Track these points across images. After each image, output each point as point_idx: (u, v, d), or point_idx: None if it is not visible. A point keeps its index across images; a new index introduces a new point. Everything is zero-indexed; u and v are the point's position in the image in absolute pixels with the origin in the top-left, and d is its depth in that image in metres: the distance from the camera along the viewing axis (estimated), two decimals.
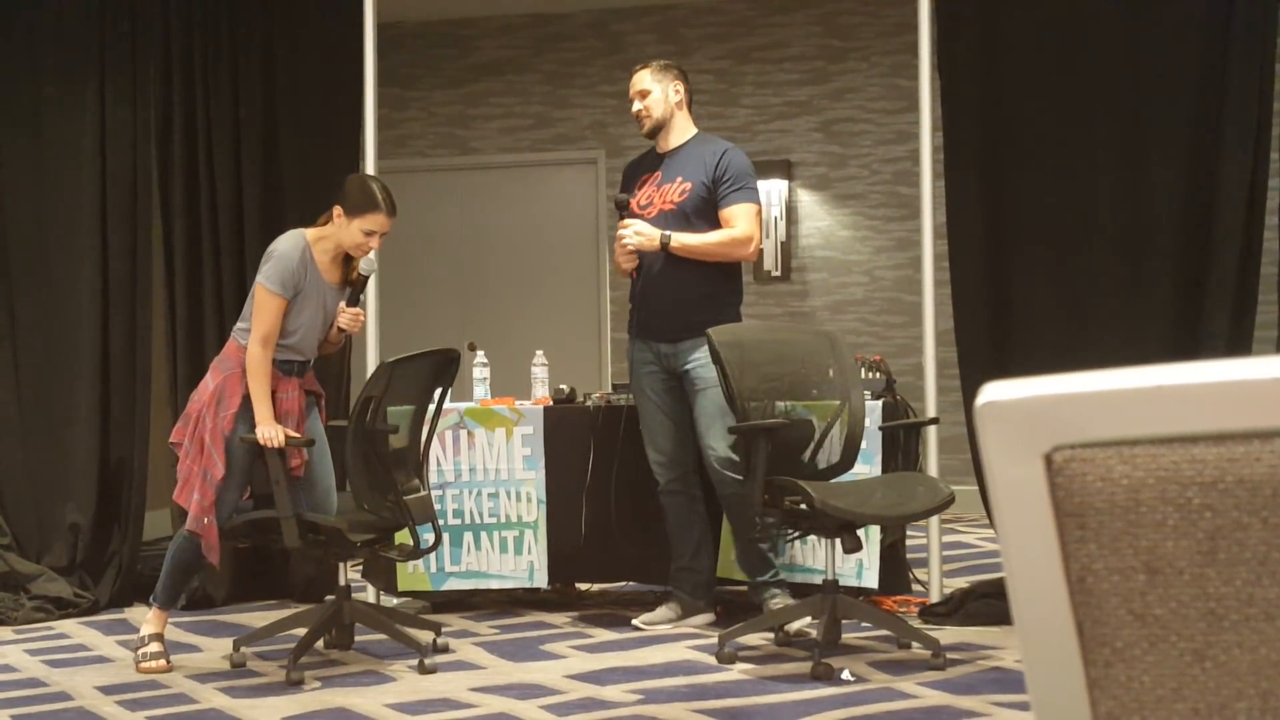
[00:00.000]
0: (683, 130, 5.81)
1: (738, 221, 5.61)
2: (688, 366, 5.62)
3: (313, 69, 6.71)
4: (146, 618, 5.35)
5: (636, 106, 5.80)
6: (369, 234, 5.18)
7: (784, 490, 5.00)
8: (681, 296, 5.65)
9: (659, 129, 5.78)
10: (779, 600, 5.59)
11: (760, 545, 5.69)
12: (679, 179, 5.70)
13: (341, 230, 5.18)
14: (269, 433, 5.01)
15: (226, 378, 5.13)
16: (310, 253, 5.20)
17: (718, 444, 5.53)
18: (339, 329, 5.35)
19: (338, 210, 5.19)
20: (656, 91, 5.75)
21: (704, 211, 5.65)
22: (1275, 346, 5.69)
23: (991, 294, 5.95)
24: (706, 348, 5.35)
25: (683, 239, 5.59)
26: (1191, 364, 0.98)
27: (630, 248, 5.62)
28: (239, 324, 5.27)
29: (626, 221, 5.65)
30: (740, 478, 5.38)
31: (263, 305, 5.13)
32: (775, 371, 5.33)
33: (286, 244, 5.20)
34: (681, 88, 5.80)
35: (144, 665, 5.20)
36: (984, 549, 7.53)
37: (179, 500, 5.19)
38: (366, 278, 5.35)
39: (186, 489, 5.11)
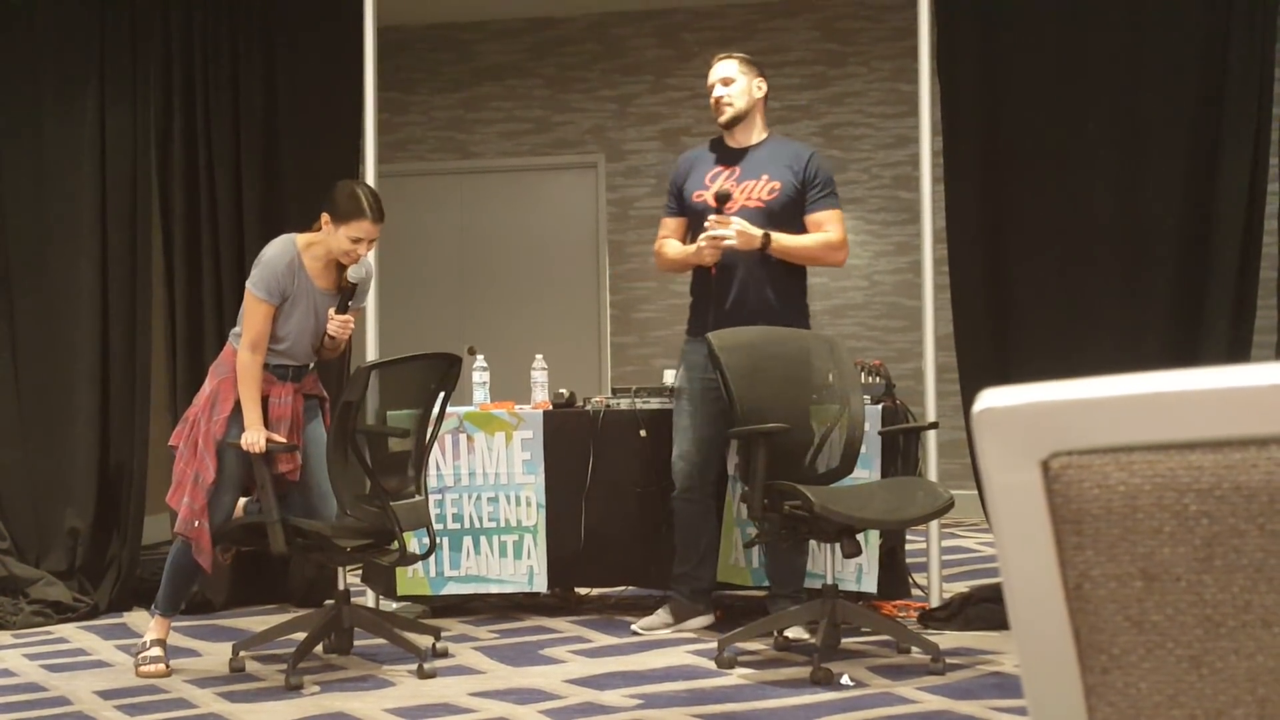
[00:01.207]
0: (760, 128, 5.75)
1: (830, 227, 5.60)
2: None
3: (313, 72, 6.72)
4: (150, 625, 5.36)
5: (719, 93, 5.69)
6: (356, 241, 5.14)
7: (784, 495, 5.00)
8: (766, 297, 5.59)
9: (738, 120, 5.69)
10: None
11: (796, 558, 5.67)
12: (765, 177, 5.63)
13: (330, 237, 5.17)
14: (251, 438, 5.03)
15: (221, 382, 5.17)
16: (300, 258, 5.19)
17: None
18: (329, 336, 5.31)
19: (325, 217, 5.17)
20: (742, 83, 5.68)
21: (790, 213, 5.60)
22: (1275, 351, 5.69)
23: (991, 298, 5.96)
24: None
25: (783, 240, 5.52)
26: (1189, 371, 0.98)
27: (729, 246, 5.48)
28: (234, 329, 5.28)
29: (729, 219, 5.49)
30: None
31: (250, 311, 5.15)
32: (775, 376, 5.33)
33: (275, 250, 5.20)
34: (764, 86, 5.75)
35: (142, 669, 5.21)
36: (984, 554, 7.53)
37: (171, 503, 5.23)
38: (355, 285, 5.27)
39: (179, 492, 5.15)
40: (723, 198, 5.53)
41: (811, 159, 5.66)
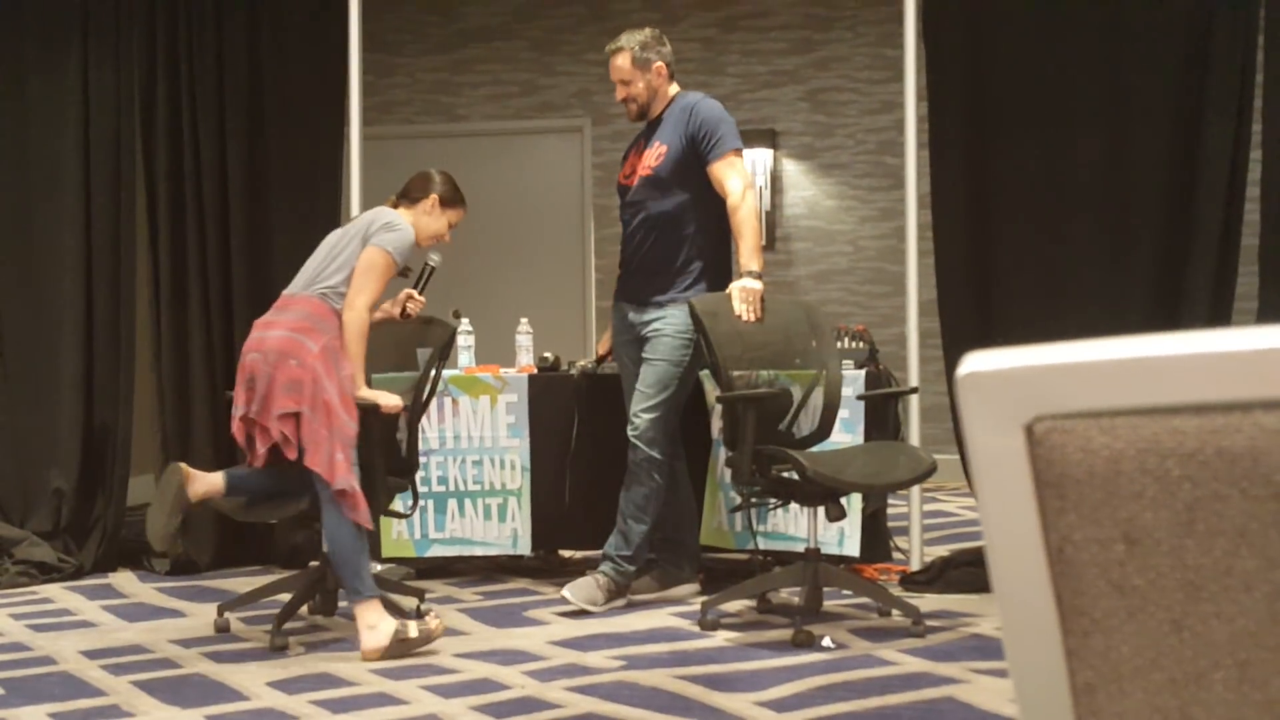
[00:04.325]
0: (666, 97, 5.70)
1: (726, 180, 5.46)
2: (645, 333, 5.62)
3: (298, 34, 6.68)
4: (367, 621, 4.87)
5: (621, 95, 5.71)
6: (451, 226, 5.39)
7: (771, 459, 5.01)
8: (651, 262, 5.62)
9: (646, 113, 5.71)
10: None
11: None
12: (657, 143, 5.62)
13: (430, 218, 5.29)
14: (390, 400, 5.04)
15: (331, 339, 4.94)
16: None
17: (638, 416, 5.52)
18: (405, 312, 5.44)
19: (434, 199, 5.31)
20: (638, 78, 5.65)
21: (678, 173, 5.54)
22: (1256, 318, 5.70)
23: (975, 264, 5.96)
24: (663, 314, 5.46)
25: (749, 254, 5.38)
26: (1173, 335, 0.99)
27: (754, 316, 5.33)
28: (323, 283, 5.04)
29: (737, 310, 5.32)
30: (655, 455, 5.48)
31: (381, 272, 5.04)
32: (759, 340, 5.34)
33: (403, 222, 5.17)
34: (663, 67, 5.67)
35: (433, 629, 4.93)
36: (965, 517, 7.56)
37: (315, 465, 4.80)
38: (434, 269, 5.51)
39: (318, 452, 4.80)
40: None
41: (694, 112, 5.55)
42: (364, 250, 5.05)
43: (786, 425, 5.33)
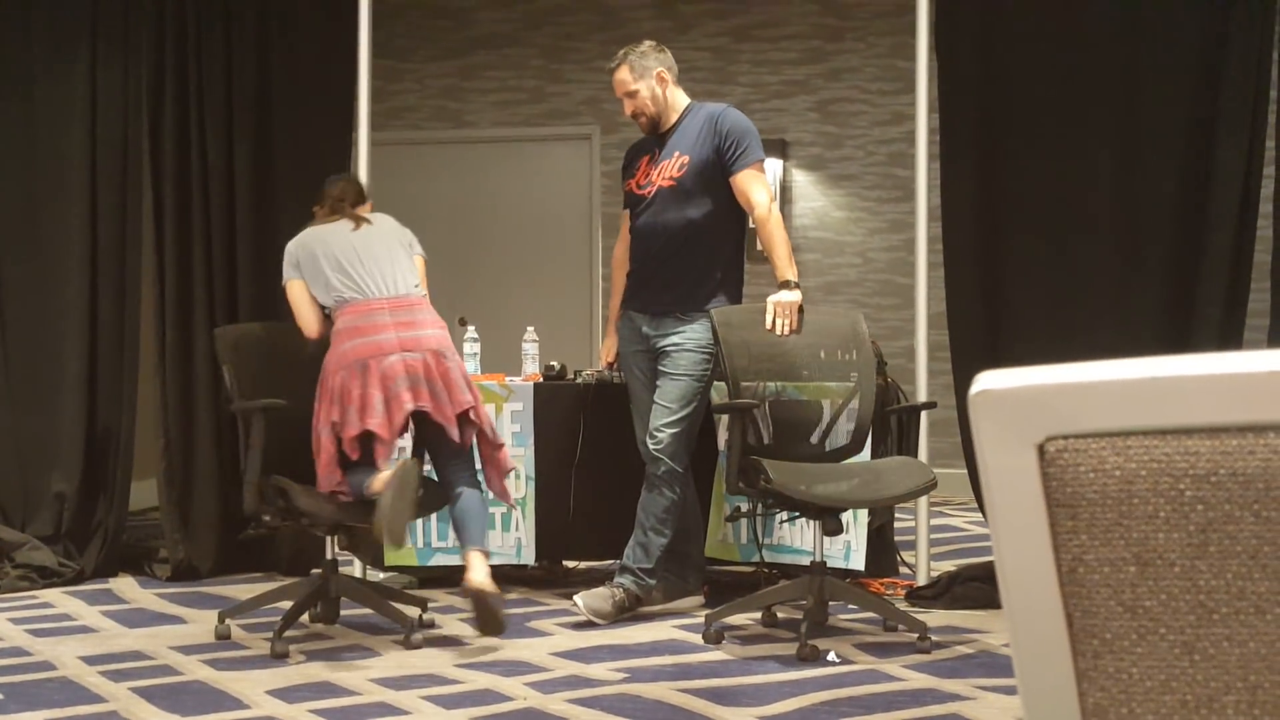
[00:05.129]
0: (677, 106, 5.69)
1: (751, 192, 5.47)
2: (664, 345, 5.60)
3: (307, 37, 6.68)
4: (486, 567, 5.14)
5: (629, 109, 5.70)
6: None
7: (759, 470, 4.99)
8: (670, 273, 5.61)
9: (658, 122, 5.69)
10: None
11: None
12: (676, 154, 5.59)
13: None
14: None
15: None
16: None
17: (660, 431, 5.52)
18: None
19: (370, 204, 5.57)
20: (643, 89, 5.64)
21: (702, 184, 5.52)
22: (1268, 335, 5.68)
23: (985, 277, 5.94)
24: (684, 328, 5.43)
25: (784, 264, 5.40)
26: (1187, 356, 0.98)
27: (789, 330, 5.34)
28: (417, 288, 5.35)
29: (774, 322, 5.34)
30: (676, 468, 5.49)
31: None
32: (766, 352, 5.32)
33: None
34: (665, 73, 5.67)
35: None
36: (972, 532, 7.54)
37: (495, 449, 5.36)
38: None
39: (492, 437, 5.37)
40: None
41: (720, 120, 5.55)
42: (415, 259, 5.41)
43: (817, 439, 5.32)
